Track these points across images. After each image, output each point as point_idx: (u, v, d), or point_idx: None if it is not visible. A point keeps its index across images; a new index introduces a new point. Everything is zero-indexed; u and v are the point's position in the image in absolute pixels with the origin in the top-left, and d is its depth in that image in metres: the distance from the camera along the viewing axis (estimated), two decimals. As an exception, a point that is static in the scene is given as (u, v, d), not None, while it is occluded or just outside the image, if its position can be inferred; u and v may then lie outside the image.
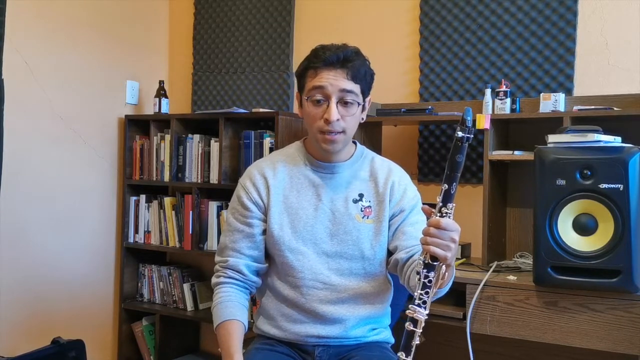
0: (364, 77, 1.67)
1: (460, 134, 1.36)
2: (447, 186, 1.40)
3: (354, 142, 1.79)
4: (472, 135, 1.38)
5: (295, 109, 1.79)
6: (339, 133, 1.65)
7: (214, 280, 1.76)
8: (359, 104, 1.66)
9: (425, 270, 1.42)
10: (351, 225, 1.69)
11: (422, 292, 1.42)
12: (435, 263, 1.41)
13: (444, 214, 1.40)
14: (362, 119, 1.73)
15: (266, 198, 1.71)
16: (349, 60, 1.63)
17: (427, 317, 1.42)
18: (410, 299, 1.47)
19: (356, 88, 1.65)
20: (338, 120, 1.62)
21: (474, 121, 2.38)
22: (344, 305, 1.69)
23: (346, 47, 1.66)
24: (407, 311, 1.43)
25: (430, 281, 1.42)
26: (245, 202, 1.72)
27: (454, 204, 1.42)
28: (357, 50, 1.68)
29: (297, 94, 1.75)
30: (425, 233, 1.40)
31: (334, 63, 1.63)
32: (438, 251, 1.38)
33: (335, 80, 1.62)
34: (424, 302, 1.42)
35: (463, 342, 2.13)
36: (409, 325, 1.42)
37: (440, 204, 1.41)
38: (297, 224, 1.69)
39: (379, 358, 1.67)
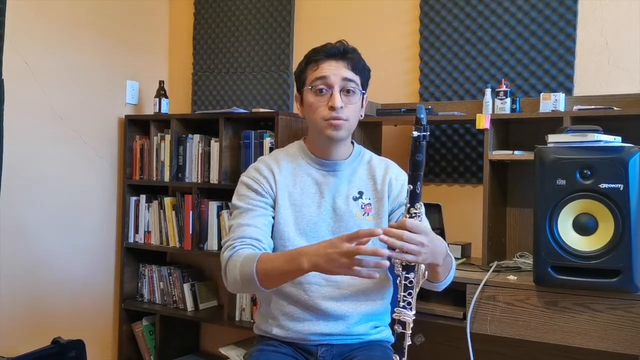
0: (363, 70, 1.72)
1: (416, 133, 1.38)
2: (411, 186, 1.41)
3: (352, 142, 1.81)
4: (428, 133, 1.38)
5: (296, 109, 1.80)
6: (343, 120, 1.67)
7: (226, 254, 1.61)
8: (360, 92, 1.70)
9: (404, 272, 1.42)
10: (352, 222, 1.70)
11: (404, 293, 1.43)
12: (412, 264, 1.42)
13: (413, 215, 1.41)
14: (361, 115, 1.76)
15: (275, 191, 1.72)
16: (348, 52, 1.70)
17: (414, 318, 1.43)
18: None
19: (357, 79, 1.70)
20: (342, 107, 1.65)
21: (475, 121, 2.40)
22: (346, 302, 1.70)
23: (344, 43, 1.73)
24: (394, 314, 1.44)
25: (411, 282, 1.42)
26: (257, 188, 1.71)
27: (422, 203, 1.42)
28: (354, 48, 1.74)
29: (296, 95, 1.77)
30: (395, 235, 1.38)
31: (335, 55, 1.69)
32: (407, 257, 1.39)
33: (337, 70, 1.67)
34: (409, 304, 1.43)
35: (463, 342, 2.13)
36: (398, 328, 1.43)
37: (408, 204, 1.41)
38: (301, 221, 1.70)
39: (381, 358, 1.67)
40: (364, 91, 1.72)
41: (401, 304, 1.43)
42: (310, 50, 1.73)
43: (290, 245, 1.68)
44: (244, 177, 1.76)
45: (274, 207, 1.72)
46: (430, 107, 2.56)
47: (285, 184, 1.73)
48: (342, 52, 1.69)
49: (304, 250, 1.48)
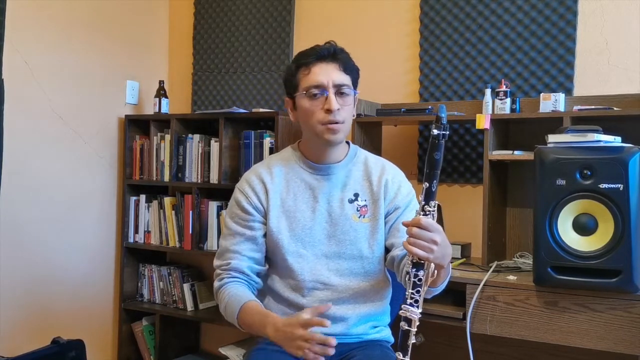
0: (353, 69, 1.73)
1: (435, 131, 1.39)
2: (427, 184, 1.43)
3: (347, 142, 1.80)
4: (448, 132, 1.40)
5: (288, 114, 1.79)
6: (340, 123, 1.67)
7: (216, 284, 1.75)
8: (353, 92, 1.71)
9: (414, 270, 1.43)
10: (348, 225, 1.70)
11: (413, 291, 1.43)
12: (422, 261, 1.42)
13: (427, 213, 1.42)
14: (354, 115, 1.78)
15: (265, 202, 1.73)
16: (338, 53, 1.70)
17: (420, 316, 1.43)
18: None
19: (348, 79, 1.70)
20: (338, 109, 1.65)
21: (475, 121, 2.40)
22: (345, 305, 1.70)
23: (333, 43, 1.73)
24: (401, 311, 1.44)
25: (420, 280, 1.43)
26: (246, 206, 1.73)
27: (437, 202, 1.43)
28: (342, 48, 1.74)
29: (286, 100, 1.77)
30: (408, 233, 1.42)
31: (326, 56, 1.69)
32: (419, 252, 1.40)
33: (329, 73, 1.67)
34: (416, 301, 1.43)
35: (463, 342, 2.13)
36: (403, 325, 1.43)
37: (423, 202, 1.42)
38: (295, 227, 1.71)
39: (379, 357, 1.67)
40: (356, 91, 1.73)
41: (408, 301, 1.43)
42: (298, 54, 1.73)
43: (287, 253, 1.70)
44: (236, 191, 1.78)
45: (264, 221, 1.73)
46: (430, 107, 2.56)
47: (277, 191, 1.73)
48: (332, 53, 1.69)
49: (272, 320, 1.57)
